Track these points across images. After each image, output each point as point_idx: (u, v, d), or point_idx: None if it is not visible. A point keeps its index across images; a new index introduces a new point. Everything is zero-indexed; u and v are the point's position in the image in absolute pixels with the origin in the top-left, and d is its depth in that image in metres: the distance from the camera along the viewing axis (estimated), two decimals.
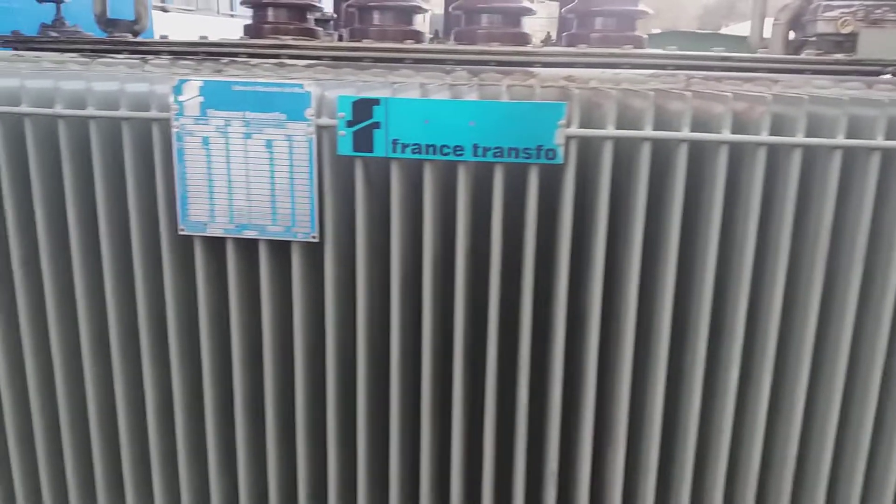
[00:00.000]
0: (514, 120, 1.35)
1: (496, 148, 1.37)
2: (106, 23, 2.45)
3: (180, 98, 1.39)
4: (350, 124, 1.38)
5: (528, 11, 1.97)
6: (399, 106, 1.36)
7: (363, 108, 1.37)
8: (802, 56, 2.14)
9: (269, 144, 1.41)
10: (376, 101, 1.36)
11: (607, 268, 1.44)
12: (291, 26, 1.90)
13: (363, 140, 1.39)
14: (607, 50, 1.83)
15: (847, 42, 2.14)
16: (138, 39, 2.19)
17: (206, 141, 1.41)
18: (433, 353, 1.51)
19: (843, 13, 2.11)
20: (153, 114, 1.42)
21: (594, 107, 1.41)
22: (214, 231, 1.46)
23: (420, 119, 1.37)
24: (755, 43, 2.59)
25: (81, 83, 1.44)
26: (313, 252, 1.48)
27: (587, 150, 1.42)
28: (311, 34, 1.93)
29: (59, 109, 1.44)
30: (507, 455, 1.57)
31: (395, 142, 1.38)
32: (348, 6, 2.13)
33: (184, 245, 1.51)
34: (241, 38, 1.95)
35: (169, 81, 1.39)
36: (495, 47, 1.83)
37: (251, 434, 1.60)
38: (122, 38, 2.15)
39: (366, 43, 1.85)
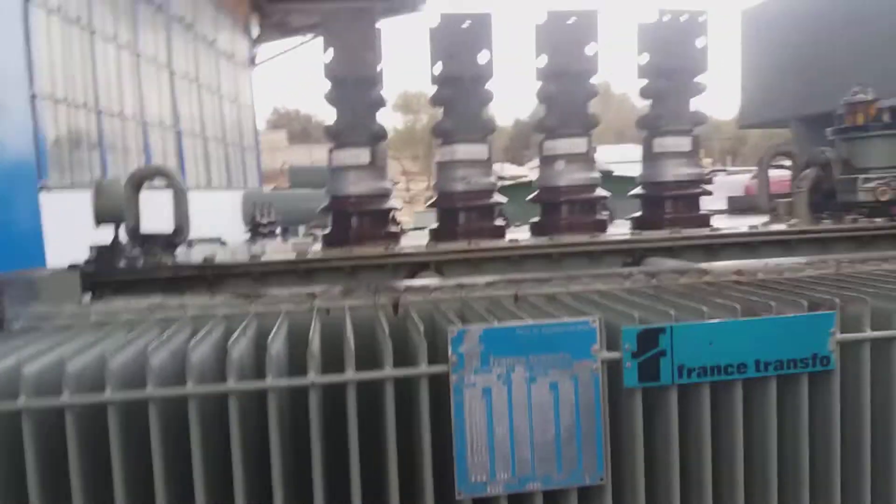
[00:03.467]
0: (791, 332, 1.38)
1: (777, 361, 1.38)
2: (142, 239, 2.28)
3: (461, 349, 1.30)
4: (635, 355, 1.35)
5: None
6: (685, 332, 1.35)
7: (649, 338, 1.35)
8: (861, 224, 2.38)
9: (553, 387, 1.33)
10: (662, 330, 1.35)
11: None
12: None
13: (649, 370, 1.35)
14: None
15: (882, 207, 2.45)
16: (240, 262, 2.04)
17: (487, 391, 1.31)
18: None
19: (879, 184, 2.41)
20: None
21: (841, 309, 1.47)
22: (495, 490, 1.32)
23: (705, 342, 1.36)
24: (764, 205, 2.89)
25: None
26: (599, 495, 1.37)
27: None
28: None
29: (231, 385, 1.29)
30: None
31: (680, 368, 1.35)
32: None
33: None
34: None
35: None
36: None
37: None
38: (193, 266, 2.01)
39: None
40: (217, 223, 9.72)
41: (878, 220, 2.41)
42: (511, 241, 2.22)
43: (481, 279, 1.73)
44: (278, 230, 10.26)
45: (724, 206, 3.54)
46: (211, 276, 2.07)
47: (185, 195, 2.49)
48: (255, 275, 2.09)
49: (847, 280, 1.66)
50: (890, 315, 1.45)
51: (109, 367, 1.26)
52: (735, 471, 1.41)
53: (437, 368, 1.32)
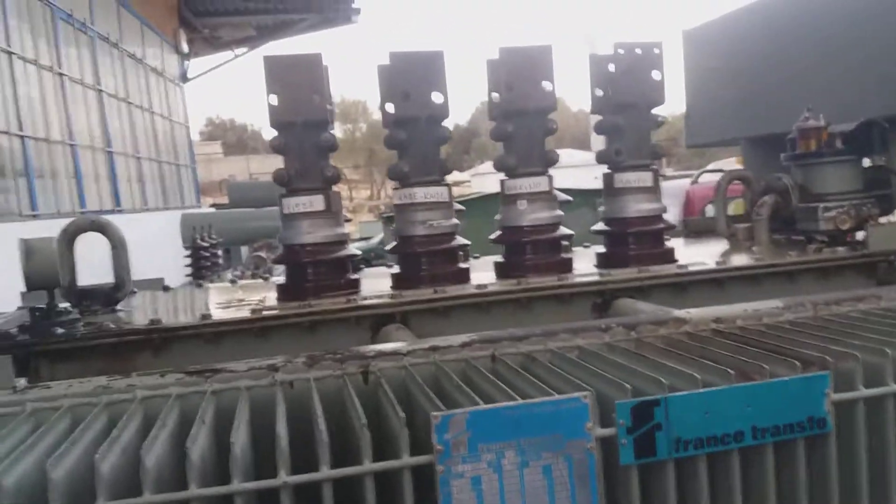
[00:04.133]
0: (786, 395, 1.33)
1: (773, 427, 1.33)
2: (78, 294, 2.12)
3: (446, 436, 1.20)
4: (630, 431, 1.27)
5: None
6: (680, 403, 1.28)
7: (643, 412, 1.27)
8: (826, 255, 2.37)
9: (547, 470, 1.24)
10: (657, 402, 1.27)
11: None
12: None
13: (645, 445, 1.27)
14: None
15: (842, 235, 2.46)
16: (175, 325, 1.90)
17: (476, 480, 1.21)
18: None
19: (839, 213, 2.42)
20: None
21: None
22: None
23: (701, 412, 1.29)
24: (723, 230, 2.89)
25: None
26: None
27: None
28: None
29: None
30: None
31: (677, 441, 1.28)
32: None
33: None
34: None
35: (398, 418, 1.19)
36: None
37: None
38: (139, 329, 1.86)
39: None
40: (155, 245, 9.39)
41: (840, 250, 2.41)
42: (478, 286, 2.12)
43: (455, 339, 1.63)
44: (220, 252, 9.98)
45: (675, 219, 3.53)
46: (158, 340, 1.92)
47: (124, 248, 2.32)
48: (206, 336, 1.95)
49: (829, 328, 1.62)
50: (881, 370, 1.41)
51: (52, 478, 1.11)
52: None
53: (421, 459, 1.21)
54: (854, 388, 1.38)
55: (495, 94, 2.33)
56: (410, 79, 2.15)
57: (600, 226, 2.46)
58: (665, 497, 1.31)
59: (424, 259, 2.21)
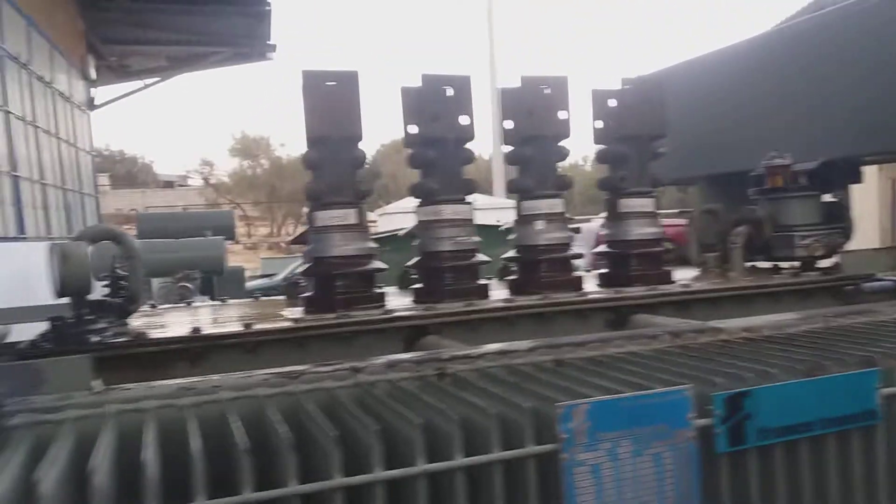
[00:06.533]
0: (846, 389, 1.47)
1: (836, 418, 1.46)
2: (97, 308, 2.05)
3: (570, 425, 1.26)
4: (724, 420, 1.37)
5: None
6: (766, 394, 1.40)
7: (735, 402, 1.38)
8: (807, 278, 2.59)
9: (657, 458, 1.32)
10: (748, 394, 1.38)
11: None
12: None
13: (736, 434, 1.38)
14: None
15: (812, 262, 2.70)
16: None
17: (596, 468, 1.27)
18: None
19: (813, 241, 2.66)
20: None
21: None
22: None
23: (781, 403, 1.41)
24: (694, 258, 3.09)
25: None
26: None
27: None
28: None
29: None
30: None
31: (762, 430, 1.40)
32: None
33: None
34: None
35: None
36: None
37: None
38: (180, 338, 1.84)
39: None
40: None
41: (812, 275, 2.65)
42: (506, 300, 2.20)
43: (521, 344, 1.69)
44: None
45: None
46: (199, 349, 1.88)
47: (139, 259, 2.26)
48: (247, 345, 1.92)
49: (851, 335, 1.80)
50: None
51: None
52: None
53: (546, 448, 1.26)
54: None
55: (508, 122, 2.44)
56: (439, 101, 2.23)
57: (603, 248, 2.59)
58: (748, 483, 1.41)
59: (449, 274, 2.26)
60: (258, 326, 1.95)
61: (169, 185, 44.98)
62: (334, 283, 2.15)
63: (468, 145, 2.31)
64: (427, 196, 2.29)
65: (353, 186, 2.19)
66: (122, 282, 7.38)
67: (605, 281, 2.55)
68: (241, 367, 1.94)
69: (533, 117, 2.33)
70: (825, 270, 2.71)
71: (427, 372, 1.59)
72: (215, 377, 1.51)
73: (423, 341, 2.03)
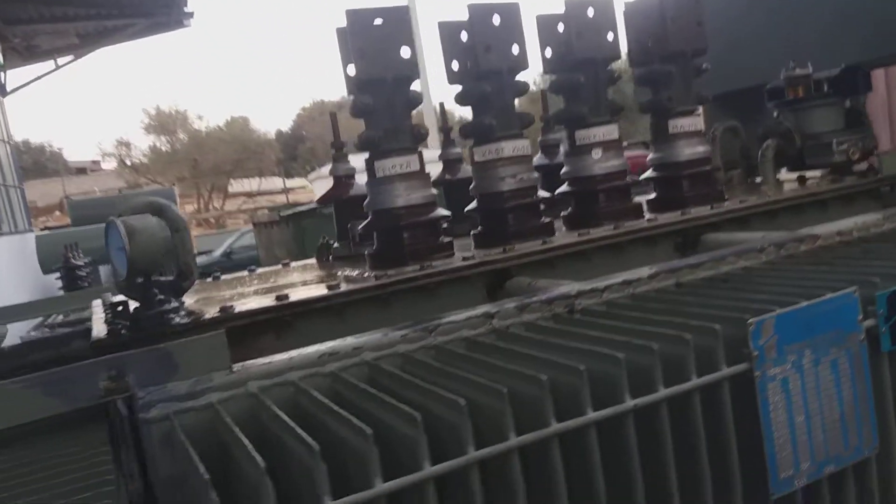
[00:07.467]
0: None
1: None
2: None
3: (760, 342, 1.22)
4: (886, 319, 1.35)
5: None
6: None
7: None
8: (850, 182, 2.61)
9: (833, 364, 1.29)
10: None
11: None
12: None
13: None
14: None
15: (847, 167, 2.72)
16: None
17: (785, 382, 1.24)
18: None
19: (849, 145, 2.68)
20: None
21: None
22: (800, 482, 1.26)
23: None
24: (720, 178, 3.08)
25: None
26: (866, 468, 1.35)
27: None
28: None
29: None
30: None
31: None
32: None
33: None
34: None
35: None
36: None
37: None
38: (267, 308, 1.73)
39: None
40: None
41: (848, 180, 2.67)
42: (580, 233, 2.14)
43: (642, 272, 1.64)
44: (87, 271, 9.15)
45: None
46: (288, 317, 1.76)
47: (186, 232, 2.10)
48: (335, 308, 1.82)
49: None
50: None
51: None
52: None
53: (739, 368, 1.22)
54: None
55: (549, 50, 2.34)
56: (489, 31, 2.11)
57: (650, 173, 2.55)
58: None
59: (511, 215, 2.18)
60: (343, 287, 1.84)
61: (82, 171, 42.72)
62: (402, 235, 2.05)
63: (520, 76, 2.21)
64: (483, 135, 2.18)
65: (410, 130, 2.07)
66: (80, 271, 7.01)
67: (659, 206, 2.50)
68: (328, 334, 1.84)
69: (582, 40, 2.24)
70: (860, 175, 2.73)
71: (558, 310, 1.53)
72: (350, 339, 1.40)
73: (512, 283, 1.96)
